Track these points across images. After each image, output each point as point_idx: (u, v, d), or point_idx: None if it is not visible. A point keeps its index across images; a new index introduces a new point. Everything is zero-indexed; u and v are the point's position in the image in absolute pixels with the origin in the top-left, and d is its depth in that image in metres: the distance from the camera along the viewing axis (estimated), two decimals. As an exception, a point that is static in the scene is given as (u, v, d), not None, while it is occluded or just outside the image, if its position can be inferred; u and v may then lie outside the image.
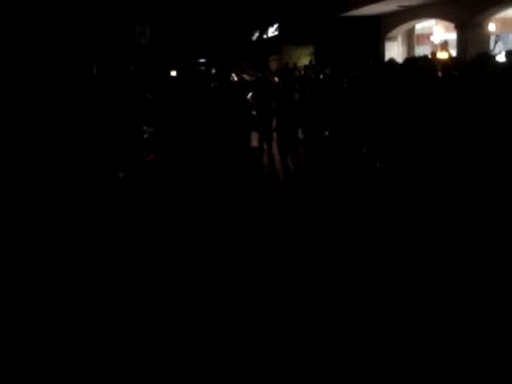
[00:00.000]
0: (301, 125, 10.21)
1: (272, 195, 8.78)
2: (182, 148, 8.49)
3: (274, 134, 11.15)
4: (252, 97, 12.61)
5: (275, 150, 11.69)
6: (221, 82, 9.86)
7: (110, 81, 7.82)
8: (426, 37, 22.95)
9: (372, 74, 10.03)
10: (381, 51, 23.71)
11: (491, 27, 18.50)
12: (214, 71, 18.07)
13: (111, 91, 7.41)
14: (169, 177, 8.36)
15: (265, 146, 12.76)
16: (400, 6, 20.36)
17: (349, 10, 22.00)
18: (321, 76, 13.28)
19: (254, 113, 11.89)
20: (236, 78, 17.77)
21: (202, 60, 30.07)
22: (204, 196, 8.07)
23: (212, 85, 11.01)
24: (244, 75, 18.80)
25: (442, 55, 15.60)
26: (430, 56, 13.84)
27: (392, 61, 11.56)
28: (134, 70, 13.27)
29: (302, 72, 18.04)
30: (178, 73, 17.41)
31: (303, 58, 27.73)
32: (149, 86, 10.89)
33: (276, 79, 15.42)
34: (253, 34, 33.45)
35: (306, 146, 10.45)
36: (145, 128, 8.26)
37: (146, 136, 8.72)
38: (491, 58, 9.72)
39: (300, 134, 10.35)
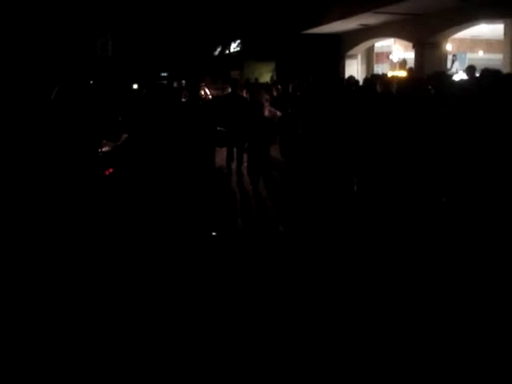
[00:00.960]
0: (280, 145, 9.63)
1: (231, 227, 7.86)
2: (142, 164, 8.32)
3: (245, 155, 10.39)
4: (222, 113, 11.76)
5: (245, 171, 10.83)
6: (190, 97, 9.15)
7: (69, 94, 7.74)
8: (385, 55, 23.36)
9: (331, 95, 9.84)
10: (341, 68, 24.03)
11: (448, 47, 18.97)
12: (175, 85, 17.98)
13: (68, 104, 7.33)
14: (123, 194, 8.16)
15: (233, 166, 11.74)
16: (360, 25, 20.70)
17: (310, 27, 22.27)
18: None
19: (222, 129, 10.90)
20: (208, 93, 17.56)
21: (164, 74, 30.01)
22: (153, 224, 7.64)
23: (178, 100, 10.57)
24: (209, 90, 18.54)
25: (400, 73, 15.92)
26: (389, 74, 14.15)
27: (351, 78, 11.75)
28: (94, 82, 13.19)
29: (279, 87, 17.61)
30: (139, 86, 17.32)
31: (265, 74, 27.93)
32: (109, 99, 10.81)
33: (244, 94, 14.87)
34: (215, 50, 33.59)
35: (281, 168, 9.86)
36: (104, 141, 8.20)
37: (105, 150, 8.66)
38: (448, 76, 9.95)
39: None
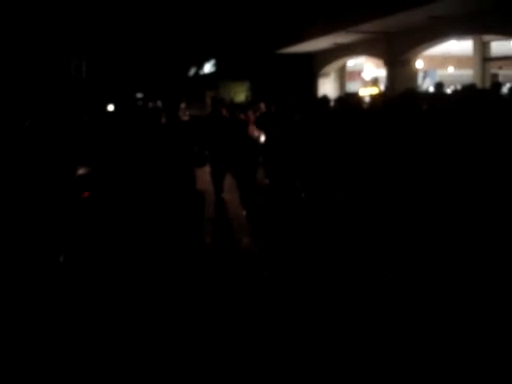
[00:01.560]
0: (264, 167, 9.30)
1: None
2: (120, 187, 8.23)
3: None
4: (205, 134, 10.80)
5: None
6: (170, 118, 8.41)
7: (42, 118, 7.69)
8: (357, 73, 23.63)
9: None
10: (314, 87, 24.25)
11: (419, 64, 19.27)
12: (151, 105, 17.95)
13: (42, 128, 7.28)
14: (99, 219, 8.07)
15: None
16: (333, 44, 20.96)
17: (284, 46, 22.49)
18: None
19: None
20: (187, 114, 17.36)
21: (139, 95, 30.03)
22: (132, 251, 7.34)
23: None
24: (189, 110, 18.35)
25: (372, 91, 16.13)
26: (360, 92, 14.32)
27: (324, 97, 11.87)
28: (68, 105, 13.11)
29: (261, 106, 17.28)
30: (115, 107, 17.26)
31: (240, 94, 28.06)
32: (84, 122, 10.78)
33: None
34: (190, 70, 33.70)
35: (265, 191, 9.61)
36: (79, 166, 8.17)
37: (81, 173, 8.61)
38: (418, 93, 10.13)
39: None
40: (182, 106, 7.90)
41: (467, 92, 8.07)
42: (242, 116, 14.86)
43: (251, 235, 8.77)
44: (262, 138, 11.65)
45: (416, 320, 5.19)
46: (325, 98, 11.35)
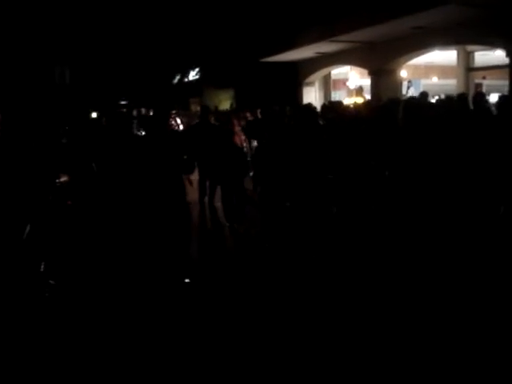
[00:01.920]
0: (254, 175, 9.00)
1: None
2: (105, 196, 8.09)
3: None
4: (193, 142, 10.55)
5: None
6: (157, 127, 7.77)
7: (21, 126, 7.57)
8: (341, 82, 23.69)
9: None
10: (299, 96, 24.27)
11: (403, 73, 19.35)
12: (135, 113, 17.88)
13: (20, 137, 7.15)
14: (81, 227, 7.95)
15: (206, 200, 11.32)
16: (317, 53, 21.00)
17: (268, 55, 22.50)
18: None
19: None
20: (179, 122, 17.20)
21: (123, 102, 29.95)
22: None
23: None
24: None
25: (357, 100, 16.17)
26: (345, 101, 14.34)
27: (309, 106, 11.85)
28: (50, 113, 12.96)
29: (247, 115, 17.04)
30: (99, 114, 17.17)
31: (224, 102, 28.06)
32: (66, 130, 10.67)
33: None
34: (174, 77, 33.65)
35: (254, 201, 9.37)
36: (60, 174, 8.07)
37: (63, 180, 8.51)
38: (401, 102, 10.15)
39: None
40: (173, 113, 7.69)
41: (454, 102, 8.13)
42: (239, 122, 14.88)
43: (234, 245, 8.73)
44: (249, 145, 11.52)
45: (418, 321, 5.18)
46: (309, 106, 11.32)
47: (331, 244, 7.71)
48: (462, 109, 8.42)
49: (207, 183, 11.22)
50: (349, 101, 17.14)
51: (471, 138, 7.08)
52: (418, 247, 6.80)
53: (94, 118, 17.30)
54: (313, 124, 8.75)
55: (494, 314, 5.35)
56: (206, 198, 11.29)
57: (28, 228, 6.84)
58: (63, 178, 7.97)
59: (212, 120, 13.34)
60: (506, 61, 14.10)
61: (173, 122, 15.80)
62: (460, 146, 7.01)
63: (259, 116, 14.15)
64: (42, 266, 6.86)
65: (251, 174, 10.18)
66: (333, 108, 9.97)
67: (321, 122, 9.67)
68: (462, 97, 9.34)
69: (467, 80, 17.41)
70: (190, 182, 8.18)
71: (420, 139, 7.10)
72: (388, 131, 7.71)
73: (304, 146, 8.15)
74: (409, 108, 7.72)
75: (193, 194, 10.37)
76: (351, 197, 7.96)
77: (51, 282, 6.51)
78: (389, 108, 8.46)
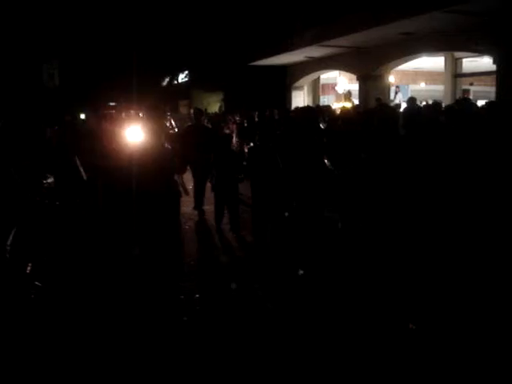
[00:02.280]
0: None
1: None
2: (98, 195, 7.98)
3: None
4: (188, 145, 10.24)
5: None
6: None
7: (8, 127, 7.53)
8: (330, 87, 23.77)
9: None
10: (288, 100, 24.33)
11: (391, 79, 19.46)
12: (124, 115, 17.80)
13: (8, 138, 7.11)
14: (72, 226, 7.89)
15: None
16: (306, 57, 21.07)
17: (257, 59, 22.55)
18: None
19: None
20: (174, 124, 17.05)
21: (112, 103, 29.83)
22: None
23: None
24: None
25: (345, 104, 16.26)
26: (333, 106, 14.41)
27: (310, 107, 11.93)
28: (38, 114, 12.87)
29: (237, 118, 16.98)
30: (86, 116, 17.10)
31: (213, 104, 28.10)
32: (54, 131, 10.66)
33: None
34: (163, 80, 33.63)
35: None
36: (47, 175, 8.06)
37: (48, 181, 8.50)
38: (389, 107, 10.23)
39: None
40: (169, 116, 7.39)
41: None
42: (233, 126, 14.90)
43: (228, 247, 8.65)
44: (241, 149, 11.48)
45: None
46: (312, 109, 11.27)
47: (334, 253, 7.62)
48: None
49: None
50: (337, 105, 17.21)
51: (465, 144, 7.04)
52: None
53: (82, 119, 17.20)
54: (314, 127, 8.69)
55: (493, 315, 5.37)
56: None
57: (14, 230, 6.83)
58: (50, 179, 7.98)
59: (205, 122, 13.20)
60: (493, 67, 14.22)
61: (167, 124, 15.67)
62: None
63: (256, 119, 14.17)
64: (29, 268, 6.85)
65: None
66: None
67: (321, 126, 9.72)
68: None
69: (454, 86, 17.52)
70: (186, 191, 8.01)
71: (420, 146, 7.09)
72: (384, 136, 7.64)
73: (305, 149, 8.11)
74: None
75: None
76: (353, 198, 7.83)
77: (37, 283, 6.49)
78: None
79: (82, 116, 17.70)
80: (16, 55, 25.07)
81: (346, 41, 17.03)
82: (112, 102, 29.47)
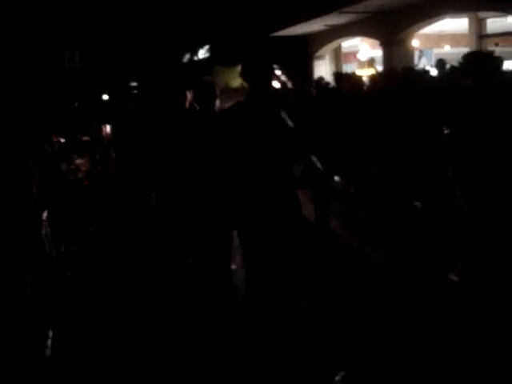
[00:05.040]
0: None
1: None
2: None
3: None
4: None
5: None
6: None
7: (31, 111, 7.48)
8: (352, 55, 23.47)
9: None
10: (310, 70, 24.09)
11: (415, 43, 19.13)
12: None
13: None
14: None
15: None
16: (326, 26, 20.80)
17: (277, 29, 22.32)
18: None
19: None
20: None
21: (134, 83, 29.84)
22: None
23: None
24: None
25: (368, 72, 16.04)
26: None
27: (321, 79, 11.78)
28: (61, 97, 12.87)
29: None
30: (110, 96, 17.12)
31: (236, 78, 27.91)
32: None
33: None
34: (184, 56, 33.47)
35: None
36: (75, 156, 8.09)
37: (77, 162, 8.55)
38: (418, 71, 9.96)
39: None
40: (189, 95, 6.53)
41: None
42: None
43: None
44: None
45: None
46: (321, 80, 11.18)
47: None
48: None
49: None
50: (360, 72, 16.98)
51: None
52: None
53: (104, 100, 17.25)
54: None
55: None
56: None
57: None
58: (79, 160, 8.04)
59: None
60: (519, 26, 13.92)
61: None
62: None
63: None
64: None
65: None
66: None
67: None
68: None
69: (480, 48, 17.17)
70: None
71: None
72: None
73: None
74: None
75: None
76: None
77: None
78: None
79: (105, 97, 17.71)
80: (38, 39, 25.20)
81: (365, 6, 16.73)
82: (133, 81, 29.48)
